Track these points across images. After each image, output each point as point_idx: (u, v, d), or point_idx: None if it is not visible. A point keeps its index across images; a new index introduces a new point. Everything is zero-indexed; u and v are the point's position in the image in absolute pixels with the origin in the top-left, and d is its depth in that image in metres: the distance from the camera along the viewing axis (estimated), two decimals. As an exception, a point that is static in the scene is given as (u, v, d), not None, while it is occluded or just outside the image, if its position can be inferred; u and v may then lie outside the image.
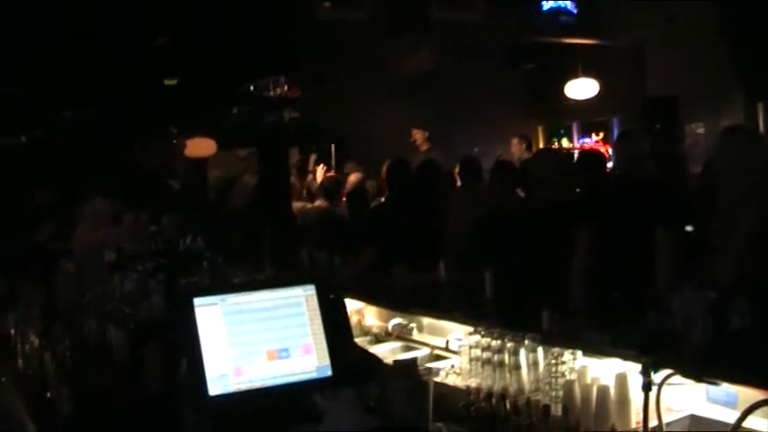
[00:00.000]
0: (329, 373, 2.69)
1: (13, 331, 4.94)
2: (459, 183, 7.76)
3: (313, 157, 11.04)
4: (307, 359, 2.69)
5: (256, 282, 3.14)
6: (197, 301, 2.66)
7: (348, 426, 2.40)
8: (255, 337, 2.68)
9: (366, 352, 3.28)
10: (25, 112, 9.58)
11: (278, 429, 2.48)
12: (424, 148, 10.89)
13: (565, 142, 13.78)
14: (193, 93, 9.76)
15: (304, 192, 9.23)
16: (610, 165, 7.95)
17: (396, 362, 2.71)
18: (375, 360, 3.04)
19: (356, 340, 3.92)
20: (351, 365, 2.73)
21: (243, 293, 2.72)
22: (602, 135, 13.17)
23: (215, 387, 2.59)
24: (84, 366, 3.45)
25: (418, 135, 11.01)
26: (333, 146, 11.57)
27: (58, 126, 9.55)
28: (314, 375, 2.68)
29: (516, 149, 11.06)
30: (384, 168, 8.82)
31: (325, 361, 2.69)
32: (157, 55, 9.15)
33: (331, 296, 2.76)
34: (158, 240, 3.74)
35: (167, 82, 9.44)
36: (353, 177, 9.61)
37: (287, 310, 2.72)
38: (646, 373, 3.35)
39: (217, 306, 2.67)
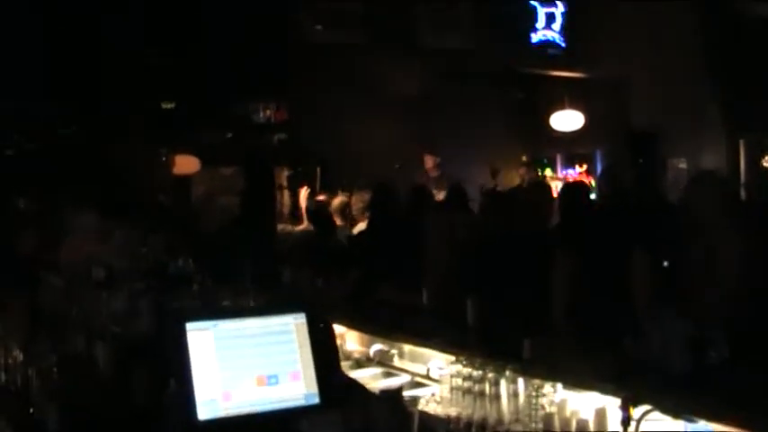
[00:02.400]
0: (317, 400, 2.72)
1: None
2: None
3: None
4: (295, 386, 2.73)
5: (249, 308, 3.17)
6: (189, 325, 2.69)
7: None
8: (245, 363, 2.71)
9: (352, 380, 3.32)
10: (13, 124, 9.57)
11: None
12: (435, 174, 10.95)
13: (548, 172, 13.88)
14: (184, 115, 9.80)
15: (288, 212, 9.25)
16: (593, 196, 8.04)
17: (382, 391, 2.75)
18: (360, 387, 3.08)
19: (339, 365, 3.96)
20: (337, 392, 2.77)
21: (235, 320, 2.76)
22: (585, 167, 13.28)
23: (204, 411, 2.61)
24: (71, 383, 3.46)
25: (429, 161, 11.10)
26: (318, 168, 11.61)
27: (46, 136, 9.55)
28: (302, 402, 2.71)
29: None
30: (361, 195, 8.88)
31: (314, 388, 2.73)
32: (151, 75, 9.19)
33: (321, 325, 2.80)
34: (149, 260, 3.76)
35: (165, 105, 9.49)
36: (337, 201, 9.65)
37: (277, 337, 2.76)
38: (625, 407, 3.40)
39: (209, 331, 2.70)
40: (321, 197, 10.10)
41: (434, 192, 8.39)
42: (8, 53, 8.58)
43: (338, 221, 8.40)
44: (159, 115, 9.85)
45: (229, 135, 9.70)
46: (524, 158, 11.35)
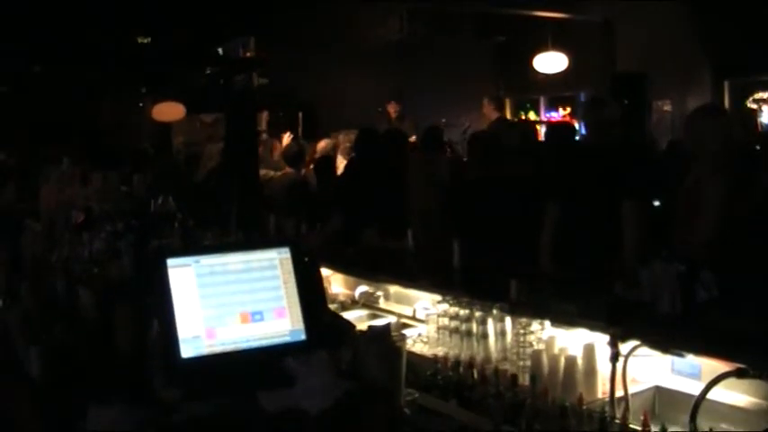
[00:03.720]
0: (303, 336, 2.67)
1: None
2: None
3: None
4: (280, 322, 2.68)
5: (230, 243, 3.11)
6: (170, 261, 2.62)
7: (321, 389, 2.40)
8: (229, 299, 2.65)
9: (338, 316, 3.28)
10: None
11: (250, 392, 2.47)
12: (396, 119, 10.93)
13: (532, 116, 13.82)
14: (162, 52, 9.62)
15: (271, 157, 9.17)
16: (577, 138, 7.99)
17: (370, 327, 2.71)
18: (348, 324, 3.04)
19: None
20: (324, 329, 2.72)
21: (217, 255, 2.69)
22: (569, 109, 13.23)
23: (187, 349, 2.56)
24: (52, 327, 3.40)
25: (391, 107, 11.06)
26: (300, 114, 11.50)
27: (23, 83, 9.38)
28: (287, 339, 2.67)
29: (487, 110, 11.04)
30: (349, 135, 8.83)
31: (299, 325, 2.68)
32: (128, 12, 9.00)
33: (306, 259, 2.75)
34: (129, 201, 3.69)
35: (141, 40, 9.30)
36: (322, 144, 9.57)
37: (261, 272, 2.70)
38: (613, 344, 3.39)
39: (190, 267, 2.64)
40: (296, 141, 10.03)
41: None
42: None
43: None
44: (134, 52, 9.67)
45: (208, 71, 9.53)
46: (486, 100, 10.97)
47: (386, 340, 2.60)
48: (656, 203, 5.14)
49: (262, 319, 2.66)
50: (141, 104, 10.11)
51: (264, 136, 9.99)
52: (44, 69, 8.95)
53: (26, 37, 8.77)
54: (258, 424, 2.37)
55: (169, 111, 10.87)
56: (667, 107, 11.21)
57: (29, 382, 3.31)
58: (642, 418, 3.03)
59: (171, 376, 2.57)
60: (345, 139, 8.85)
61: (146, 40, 9.47)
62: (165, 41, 9.58)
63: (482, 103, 11.13)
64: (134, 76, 9.83)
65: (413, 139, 8.83)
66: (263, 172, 8.27)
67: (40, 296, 3.79)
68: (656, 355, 3.52)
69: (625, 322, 3.47)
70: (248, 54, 8.10)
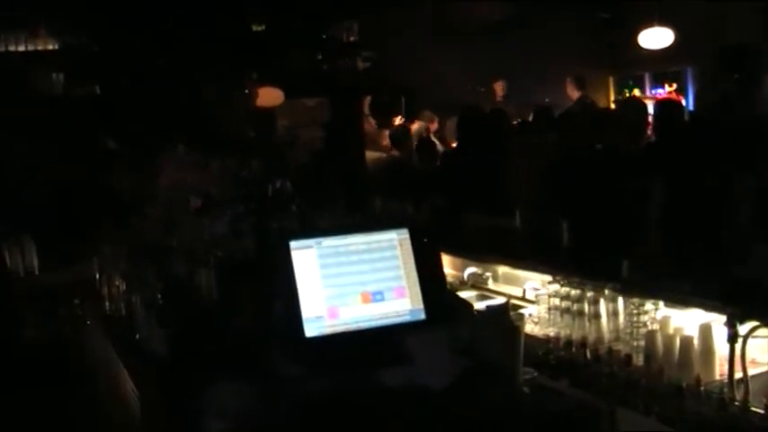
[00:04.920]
0: (422, 316, 2.73)
1: (97, 275, 5.07)
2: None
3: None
4: (400, 302, 2.73)
5: (351, 225, 3.18)
6: (293, 243, 2.71)
7: (441, 367, 2.44)
8: (350, 280, 2.72)
9: (456, 296, 3.32)
10: (104, 61, 9.72)
11: (371, 370, 2.53)
12: (500, 99, 10.88)
13: (636, 93, 13.53)
14: (267, 40, 9.79)
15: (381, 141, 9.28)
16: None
17: (488, 307, 2.74)
18: (466, 304, 3.08)
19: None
20: (443, 309, 2.77)
21: (338, 237, 2.76)
22: (674, 86, 12.89)
23: (310, 329, 2.65)
24: (175, 309, 3.54)
25: (498, 87, 11.01)
26: (403, 97, 11.55)
27: (136, 75, 9.68)
28: (407, 318, 2.72)
29: (570, 90, 10.90)
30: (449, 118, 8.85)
31: (419, 304, 2.73)
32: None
33: (425, 240, 2.80)
34: (249, 185, 3.80)
35: (255, 28, 9.47)
36: (416, 126, 9.66)
37: (381, 253, 2.76)
38: (731, 324, 3.34)
39: (312, 249, 2.72)
40: (400, 123, 10.12)
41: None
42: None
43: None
44: (244, 40, 9.87)
45: (319, 57, 9.65)
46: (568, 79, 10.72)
47: (504, 319, 2.63)
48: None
49: (382, 299, 2.73)
50: (247, 91, 10.31)
51: (372, 120, 10.12)
52: (164, 63, 9.22)
53: (145, 32, 9.06)
54: (380, 400, 2.43)
55: (269, 96, 11.05)
56: (779, 80, 10.82)
57: (155, 364, 3.45)
58: (765, 400, 2.98)
59: (295, 355, 2.65)
60: (452, 122, 8.88)
61: (260, 28, 9.65)
62: (275, 29, 9.74)
63: (566, 82, 11.01)
64: (244, 62, 10.04)
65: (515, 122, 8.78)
66: (374, 155, 8.38)
67: (163, 280, 3.94)
68: (775, 336, 3.45)
69: (742, 302, 3.41)
70: (352, 39, 8.21)
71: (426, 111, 10.16)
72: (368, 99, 11.24)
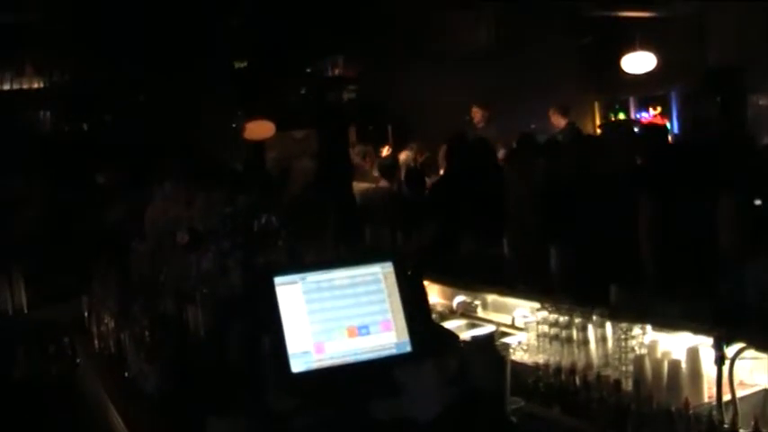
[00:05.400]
0: (408, 348, 2.73)
1: (86, 314, 5.07)
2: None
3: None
4: (386, 335, 2.74)
5: (335, 260, 3.19)
6: (278, 279, 2.72)
7: (429, 399, 2.45)
8: (335, 314, 2.73)
9: (442, 327, 3.32)
10: (90, 99, 9.76)
11: (359, 405, 2.53)
12: (481, 125, 10.90)
13: (621, 117, 13.62)
14: (255, 76, 9.85)
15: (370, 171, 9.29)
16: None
17: (473, 338, 2.75)
18: (451, 335, 3.08)
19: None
20: (429, 340, 2.77)
21: (322, 271, 2.77)
22: (659, 109, 12.99)
23: (297, 364, 2.65)
24: (164, 345, 3.54)
25: (477, 113, 11.04)
26: (389, 126, 11.60)
27: (123, 110, 9.72)
28: (394, 351, 2.72)
29: (555, 119, 10.97)
30: (441, 146, 8.88)
31: (405, 337, 2.73)
32: (225, 38, 9.25)
33: (408, 272, 2.81)
34: (234, 220, 3.81)
35: (237, 65, 9.54)
36: (404, 156, 9.69)
37: (366, 287, 2.77)
38: (719, 346, 3.35)
39: (297, 284, 2.72)
40: (388, 153, 10.16)
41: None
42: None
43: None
44: (232, 75, 9.94)
45: (303, 91, 9.72)
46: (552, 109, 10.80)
47: (490, 349, 2.64)
48: (758, 202, 5.03)
49: (368, 333, 2.73)
50: (234, 125, 10.37)
51: (357, 148, 10.14)
52: (148, 98, 9.29)
53: (128, 68, 9.12)
54: (369, 434, 2.43)
55: (259, 129, 11.09)
56: (762, 101, 10.92)
57: (145, 399, 3.45)
58: (753, 422, 2.99)
59: (282, 390, 2.65)
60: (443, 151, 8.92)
61: (242, 64, 9.72)
62: (259, 64, 9.82)
63: (549, 112, 11.06)
64: (230, 98, 10.11)
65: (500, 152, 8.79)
66: (360, 185, 8.40)
67: (149, 315, 3.94)
68: (763, 358, 3.46)
69: (730, 324, 3.42)
70: (337, 71, 8.29)
71: (413, 142, 10.20)
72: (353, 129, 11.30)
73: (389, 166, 8.90)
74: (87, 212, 7.51)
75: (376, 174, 9.14)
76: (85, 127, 10.37)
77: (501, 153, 8.62)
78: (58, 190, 8.18)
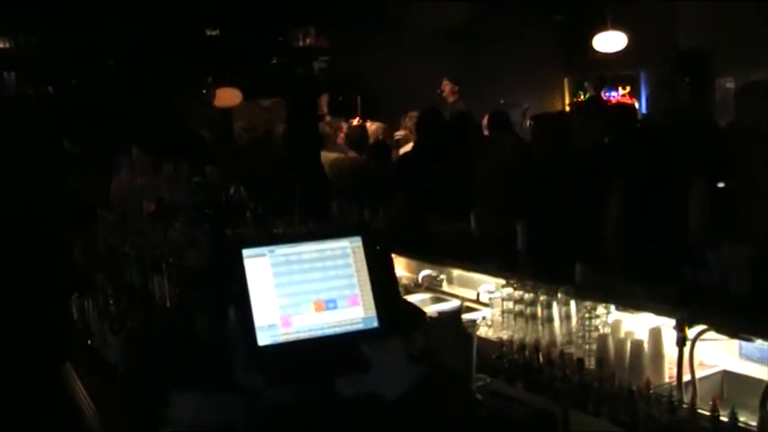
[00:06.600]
0: (376, 324, 2.73)
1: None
2: (486, 133, 7.78)
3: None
4: (354, 310, 2.74)
5: (304, 233, 3.18)
6: (246, 251, 2.70)
7: (396, 375, 2.45)
8: (303, 288, 2.72)
9: (409, 303, 3.33)
10: (56, 62, 9.62)
11: (326, 379, 2.54)
12: (451, 99, 10.88)
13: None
14: (225, 45, 9.76)
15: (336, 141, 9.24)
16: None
17: (440, 314, 2.76)
18: (418, 311, 3.10)
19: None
20: (396, 316, 2.78)
21: (290, 245, 2.76)
22: (628, 89, 13.06)
23: (264, 337, 2.64)
24: (129, 315, 3.52)
25: (447, 86, 11.00)
26: (359, 97, 11.56)
27: (90, 76, 9.59)
28: (361, 326, 2.73)
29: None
30: (408, 118, 8.86)
31: (372, 312, 2.74)
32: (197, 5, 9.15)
33: (377, 247, 2.81)
34: (203, 191, 3.79)
35: (209, 32, 9.45)
36: (373, 127, 9.65)
37: (334, 261, 2.76)
38: (681, 328, 3.40)
39: (265, 257, 2.71)
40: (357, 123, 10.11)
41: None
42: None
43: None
44: (203, 43, 9.86)
45: (274, 61, 9.65)
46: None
47: (457, 325, 2.65)
48: (721, 185, 5.07)
49: (335, 307, 2.73)
50: (205, 91, 10.28)
51: (328, 118, 10.08)
52: (117, 64, 9.16)
53: (98, 31, 8.99)
54: (336, 409, 2.44)
55: (227, 96, 11.02)
56: (730, 84, 11.01)
57: (110, 370, 3.44)
58: (711, 402, 3.04)
59: (248, 363, 2.65)
60: (411, 119, 8.88)
61: (214, 33, 9.62)
62: (232, 33, 9.74)
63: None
64: (202, 67, 10.01)
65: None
66: (329, 155, 8.36)
67: (116, 285, 3.92)
68: (723, 339, 3.52)
69: (692, 306, 3.47)
70: (308, 41, 8.21)
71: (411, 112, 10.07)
72: (325, 98, 11.23)
73: (358, 137, 8.86)
74: (54, 178, 7.41)
75: (344, 144, 9.10)
76: (51, 90, 10.22)
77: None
78: (24, 154, 8.06)
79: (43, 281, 5.14)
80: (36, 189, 6.99)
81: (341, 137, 9.34)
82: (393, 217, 5.99)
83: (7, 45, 10.02)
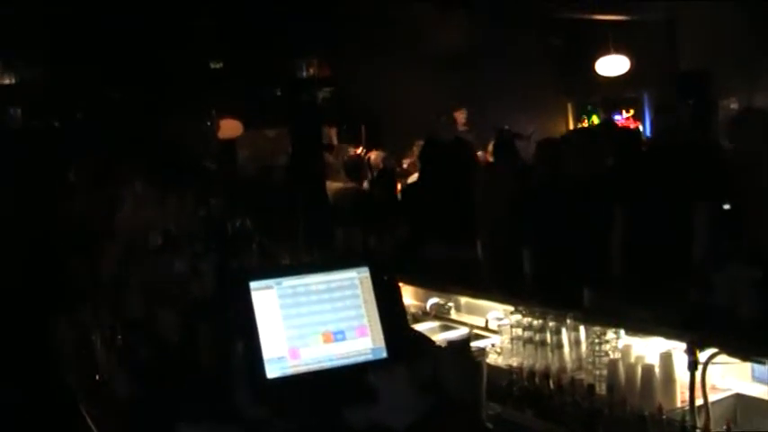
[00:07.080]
0: (384, 354, 2.72)
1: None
2: (490, 159, 7.78)
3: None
4: (362, 341, 2.72)
5: (310, 264, 3.17)
6: (253, 284, 2.69)
7: (405, 405, 2.43)
8: (311, 320, 2.71)
9: (419, 333, 3.31)
10: (60, 94, 9.66)
11: (334, 410, 2.52)
12: (463, 128, 10.87)
13: (595, 119, 13.68)
14: (229, 75, 9.80)
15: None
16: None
17: (449, 343, 2.74)
18: (427, 340, 3.07)
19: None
20: (404, 346, 2.76)
21: (298, 276, 2.75)
22: (632, 111, 13.06)
23: (272, 370, 2.62)
24: (135, 348, 3.50)
25: (460, 115, 10.98)
26: (363, 126, 11.57)
27: (94, 108, 9.63)
28: (369, 357, 2.71)
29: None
30: (415, 147, 8.86)
31: (381, 343, 2.72)
32: (197, 37, 9.20)
33: (385, 278, 2.79)
34: (209, 222, 3.78)
35: (213, 65, 9.49)
36: (374, 156, 9.63)
37: (341, 292, 2.75)
38: (691, 351, 3.36)
39: (272, 289, 2.70)
40: (356, 152, 10.10)
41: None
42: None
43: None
44: (207, 76, 9.89)
45: (278, 93, 9.67)
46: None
47: (466, 354, 2.63)
48: (726, 207, 5.06)
49: (344, 339, 2.71)
50: (209, 123, 10.32)
51: (338, 149, 10.06)
52: (121, 95, 9.20)
53: (102, 63, 9.04)
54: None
55: (229, 127, 11.07)
56: (733, 105, 11.00)
57: (116, 403, 3.41)
58: (725, 426, 3.01)
59: (257, 396, 2.63)
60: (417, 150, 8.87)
61: (218, 65, 9.67)
62: (235, 65, 9.78)
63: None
64: (206, 98, 10.05)
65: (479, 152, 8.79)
66: (333, 185, 8.35)
67: (120, 318, 3.90)
68: (735, 362, 3.48)
69: (702, 329, 3.44)
70: (312, 71, 8.23)
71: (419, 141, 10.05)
72: (335, 130, 11.24)
73: (354, 166, 8.83)
74: (59, 211, 7.42)
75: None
76: (57, 124, 10.26)
77: (480, 154, 8.64)
78: (29, 187, 8.09)
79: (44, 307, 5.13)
80: (40, 221, 7.01)
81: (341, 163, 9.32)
82: (398, 245, 5.98)
83: (12, 81, 10.09)
